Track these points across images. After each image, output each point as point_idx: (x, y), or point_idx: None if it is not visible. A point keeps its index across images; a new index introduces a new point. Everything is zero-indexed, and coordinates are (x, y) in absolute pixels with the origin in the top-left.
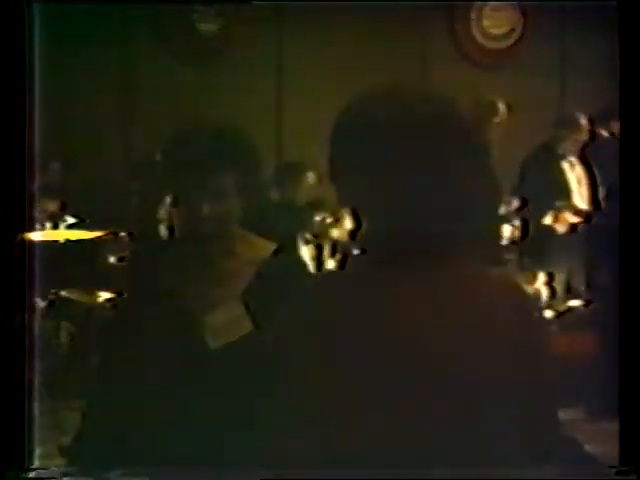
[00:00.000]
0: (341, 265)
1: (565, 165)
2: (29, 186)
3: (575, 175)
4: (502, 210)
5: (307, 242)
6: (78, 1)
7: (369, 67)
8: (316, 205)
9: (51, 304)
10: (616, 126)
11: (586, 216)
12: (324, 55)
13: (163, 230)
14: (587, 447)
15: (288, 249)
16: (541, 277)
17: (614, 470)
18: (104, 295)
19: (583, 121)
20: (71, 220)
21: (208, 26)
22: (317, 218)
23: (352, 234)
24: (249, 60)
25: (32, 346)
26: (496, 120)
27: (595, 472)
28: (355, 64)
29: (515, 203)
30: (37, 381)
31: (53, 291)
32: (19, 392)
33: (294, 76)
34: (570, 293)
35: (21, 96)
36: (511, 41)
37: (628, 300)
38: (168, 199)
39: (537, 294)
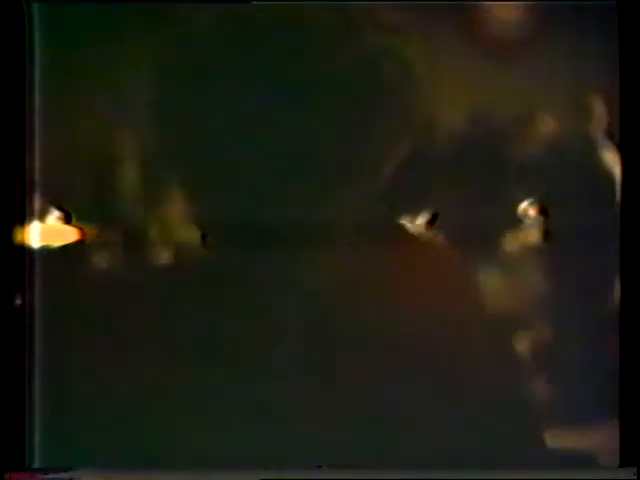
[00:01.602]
0: None
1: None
2: (29, 185)
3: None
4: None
5: None
6: (78, 0)
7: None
8: None
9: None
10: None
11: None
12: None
13: None
14: (587, 447)
15: None
16: None
17: (614, 470)
18: None
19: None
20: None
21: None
22: None
23: None
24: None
25: (32, 345)
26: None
27: (595, 472)
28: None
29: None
30: (37, 380)
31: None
32: (19, 391)
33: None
34: None
35: (21, 95)
36: (522, 32)
37: (628, 300)
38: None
39: None
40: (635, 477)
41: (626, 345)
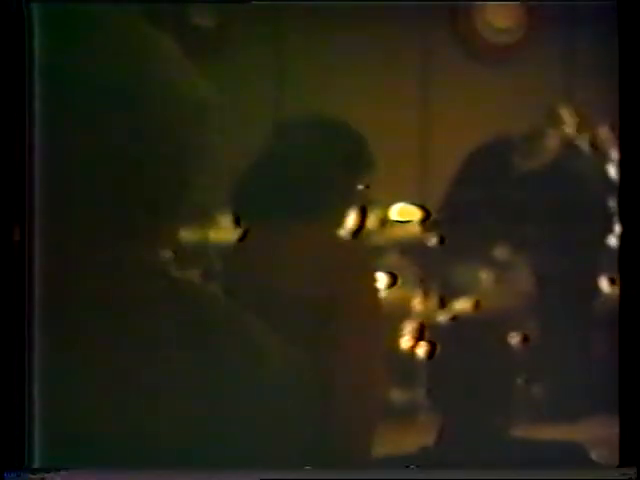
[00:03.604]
0: None
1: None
2: (28, 184)
3: None
4: None
5: None
6: (78, 1)
7: (370, 64)
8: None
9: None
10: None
11: None
12: (324, 54)
13: None
14: (587, 447)
15: None
16: None
17: (614, 470)
18: None
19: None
20: None
21: (207, 26)
22: None
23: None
24: (249, 60)
25: (32, 344)
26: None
27: (595, 472)
28: (355, 62)
29: None
30: (37, 380)
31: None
32: (19, 391)
33: (294, 76)
34: None
35: (20, 95)
36: (514, 36)
37: (628, 299)
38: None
39: None
40: (635, 477)
41: (626, 345)
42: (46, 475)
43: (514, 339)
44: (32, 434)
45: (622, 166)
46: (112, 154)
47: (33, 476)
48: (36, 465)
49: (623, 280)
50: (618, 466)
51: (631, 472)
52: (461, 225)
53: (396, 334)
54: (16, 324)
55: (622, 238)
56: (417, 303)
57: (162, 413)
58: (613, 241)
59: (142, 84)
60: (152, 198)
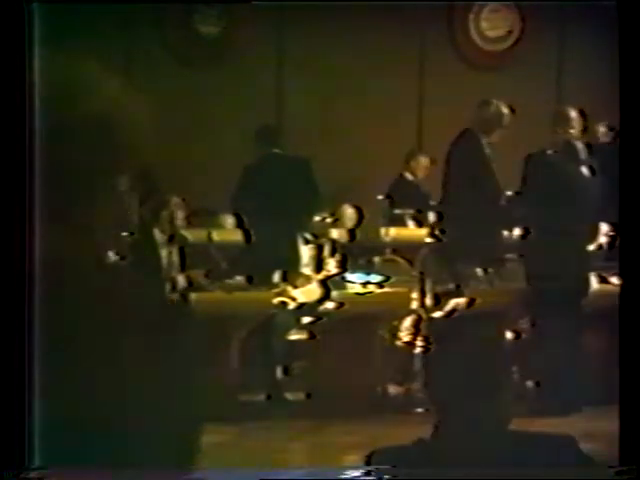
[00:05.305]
0: (341, 264)
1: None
2: (29, 184)
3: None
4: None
5: (307, 242)
6: (78, 1)
7: (368, 68)
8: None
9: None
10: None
11: None
12: (323, 55)
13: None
14: (587, 447)
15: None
16: None
17: (614, 470)
18: None
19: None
20: None
21: (209, 28)
22: (317, 218)
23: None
24: (249, 60)
25: (32, 343)
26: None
27: (595, 472)
28: (354, 65)
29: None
30: (37, 381)
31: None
32: (19, 391)
33: (294, 76)
34: None
35: (21, 95)
36: (509, 43)
37: (628, 300)
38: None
39: None
40: (635, 477)
41: (626, 345)
42: (46, 475)
43: None
44: (32, 434)
45: (623, 166)
46: (112, 154)
47: (33, 476)
48: (36, 465)
49: (623, 280)
50: (618, 465)
51: (631, 472)
52: None
53: None
54: (16, 324)
55: (622, 238)
56: None
57: (163, 413)
58: None
59: None
60: None
